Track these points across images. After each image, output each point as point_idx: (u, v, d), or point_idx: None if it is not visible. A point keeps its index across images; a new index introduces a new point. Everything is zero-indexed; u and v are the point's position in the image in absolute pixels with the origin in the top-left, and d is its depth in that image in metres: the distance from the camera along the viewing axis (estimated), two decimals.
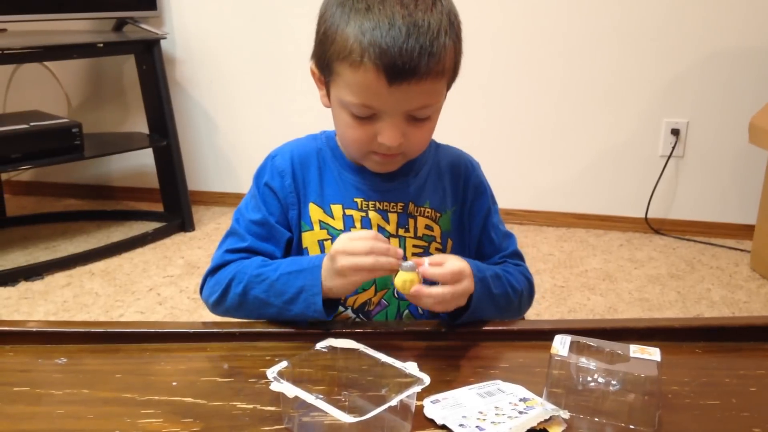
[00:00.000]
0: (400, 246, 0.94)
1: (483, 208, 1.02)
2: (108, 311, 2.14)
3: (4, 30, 2.65)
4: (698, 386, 0.79)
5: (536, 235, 2.82)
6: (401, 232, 0.95)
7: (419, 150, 0.92)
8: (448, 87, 0.91)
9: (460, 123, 2.91)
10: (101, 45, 2.62)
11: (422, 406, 0.72)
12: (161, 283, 2.35)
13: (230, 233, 0.98)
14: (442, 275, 0.83)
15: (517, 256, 1.04)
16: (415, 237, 0.96)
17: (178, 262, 2.52)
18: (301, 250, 0.97)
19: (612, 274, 2.46)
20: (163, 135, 2.76)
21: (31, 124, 2.46)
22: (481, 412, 0.71)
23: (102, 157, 2.93)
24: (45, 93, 3.08)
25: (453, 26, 0.85)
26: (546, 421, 0.70)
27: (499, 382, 0.78)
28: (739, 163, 2.75)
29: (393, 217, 0.95)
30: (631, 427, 0.70)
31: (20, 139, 2.40)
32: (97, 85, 3.11)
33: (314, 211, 0.95)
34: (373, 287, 0.96)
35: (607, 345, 0.76)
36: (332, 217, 0.94)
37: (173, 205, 2.85)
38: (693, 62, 2.69)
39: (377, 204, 0.95)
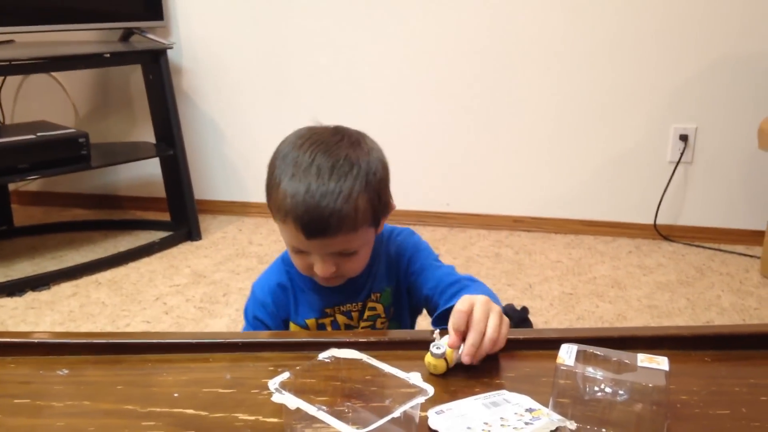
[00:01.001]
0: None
1: (417, 263, 1.13)
2: (114, 321, 2.14)
3: (11, 41, 2.67)
4: (707, 395, 0.78)
5: (544, 243, 2.80)
6: (362, 324, 1.11)
7: (355, 273, 1.05)
8: (377, 223, 1.03)
9: (467, 130, 2.91)
10: (108, 55, 2.63)
11: (426, 417, 0.71)
12: (168, 292, 2.35)
13: None
14: (478, 340, 0.83)
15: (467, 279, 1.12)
16: (363, 320, 1.11)
17: (185, 271, 2.52)
18: None
19: (621, 281, 2.45)
20: (169, 144, 2.76)
21: (39, 134, 2.46)
22: (486, 423, 0.70)
23: (109, 166, 2.94)
24: (52, 103, 3.09)
25: (370, 185, 0.98)
26: (552, 431, 0.69)
27: (504, 392, 0.77)
28: (748, 169, 2.73)
29: (355, 315, 1.11)
30: None
31: (27, 150, 2.41)
32: (104, 95, 3.12)
33: (293, 329, 1.10)
34: None
35: (614, 354, 0.75)
36: (308, 328, 1.10)
37: (180, 215, 2.85)
38: (701, 67, 2.67)
39: (341, 308, 1.10)
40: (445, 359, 0.82)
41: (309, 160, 0.96)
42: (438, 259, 1.15)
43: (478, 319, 0.83)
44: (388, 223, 1.14)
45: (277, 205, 0.98)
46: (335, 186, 0.94)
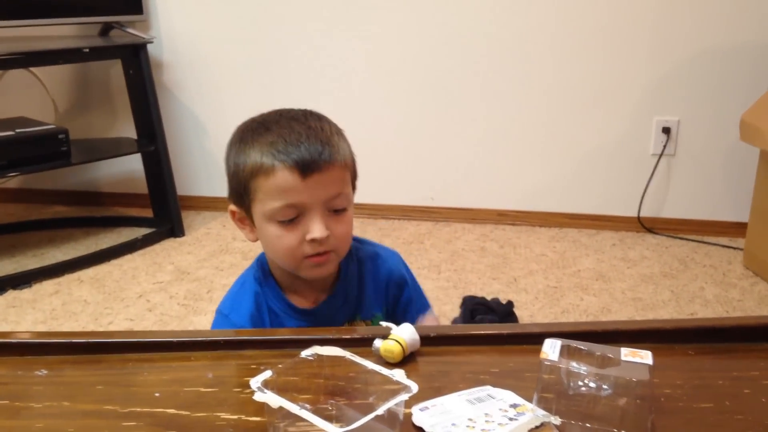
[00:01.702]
0: None
1: (406, 297, 1.10)
2: (97, 319, 2.12)
3: None
4: (691, 389, 0.78)
5: (529, 236, 2.81)
6: None
7: (345, 244, 1.00)
8: (353, 187, 1.01)
9: (451, 124, 2.91)
10: (87, 50, 2.60)
11: (411, 414, 0.71)
12: (151, 289, 2.33)
13: None
14: None
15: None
16: None
17: (168, 268, 2.50)
18: None
19: (605, 273, 2.45)
20: (151, 140, 2.74)
21: (17, 130, 2.43)
22: (470, 419, 0.70)
23: (90, 163, 2.91)
24: (31, 99, 3.05)
25: (342, 135, 0.98)
26: (537, 427, 0.68)
27: (489, 387, 0.76)
28: (730, 161, 2.74)
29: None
30: None
31: (6, 146, 2.38)
32: (84, 91, 3.09)
33: None
34: None
35: (598, 348, 0.75)
36: None
37: (163, 211, 2.83)
38: (683, 60, 2.68)
39: None
40: (400, 343, 0.82)
41: (276, 116, 0.96)
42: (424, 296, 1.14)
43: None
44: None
45: (255, 165, 0.93)
46: (315, 124, 0.94)
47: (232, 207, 1.02)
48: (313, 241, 0.94)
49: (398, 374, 0.71)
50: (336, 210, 0.96)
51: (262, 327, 1.02)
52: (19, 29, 2.69)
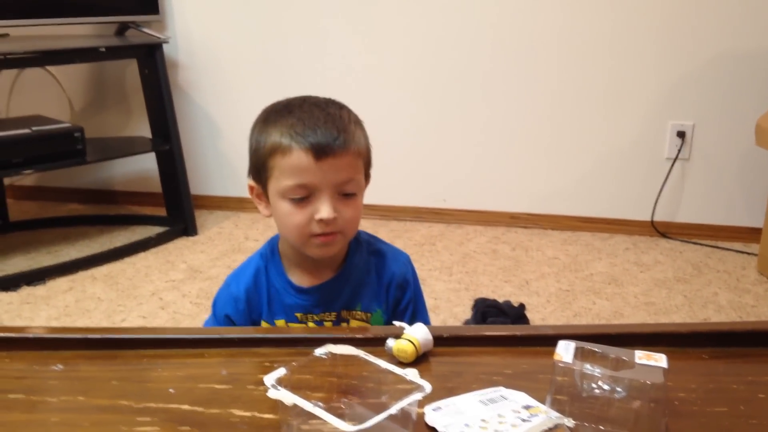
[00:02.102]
0: None
1: (405, 302, 1.12)
2: (110, 316, 2.14)
3: (6, 35, 2.65)
4: (705, 393, 0.77)
5: (541, 239, 2.80)
6: None
7: (352, 228, 1.04)
8: (366, 176, 1.05)
9: (464, 126, 2.91)
10: (103, 49, 2.61)
11: (423, 414, 0.71)
12: (164, 287, 2.34)
13: None
14: None
15: None
16: None
17: (181, 266, 2.51)
18: None
19: (618, 277, 2.44)
20: (165, 139, 2.75)
21: (33, 128, 2.45)
22: (483, 420, 0.70)
23: (104, 161, 2.93)
24: (48, 97, 3.07)
25: (360, 125, 1.03)
26: (550, 429, 0.68)
27: (501, 389, 0.76)
28: (745, 166, 2.73)
29: (328, 324, 1.07)
30: None
31: (22, 144, 2.39)
32: (100, 90, 3.11)
33: (264, 327, 1.08)
34: None
35: (612, 351, 0.75)
36: None
37: (176, 210, 2.84)
38: (699, 64, 2.67)
39: (314, 316, 1.07)
40: (413, 343, 0.82)
41: (300, 101, 1.02)
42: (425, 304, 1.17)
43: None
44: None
45: (275, 144, 0.98)
46: (335, 112, 1.00)
47: (251, 182, 1.06)
48: (320, 221, 0.98)
49: (411, 374, 0.71)
50: (346, 194, 0.99)
51: (258, 301, 1.07)
52: (36, 28, 2.71)
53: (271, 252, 1.10)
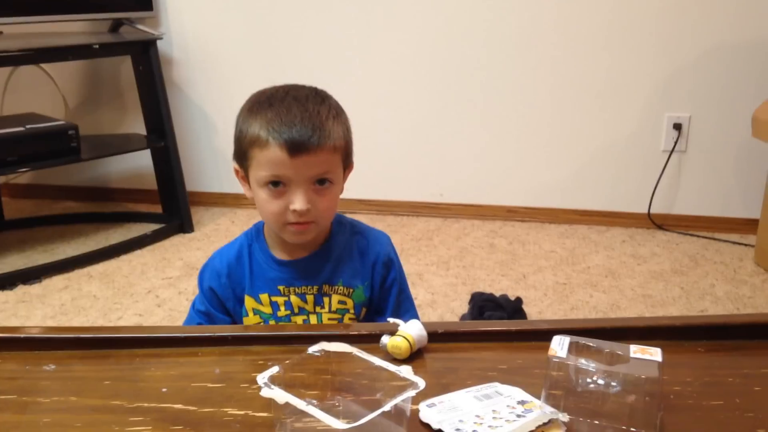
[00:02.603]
0: (317, 321, 1.09)
1: (390, 280, 1.14)
2: (106, 314, 2.13)
3: (0, 33, 2.64)
4: (701, 386, 0.77)
5: (538, 233, 2.79)
6: (318, 309, 1.10)
7: (326, 217, 1.07)
8: (345, 166, 1.07)
9: (460, 120, 2.90)
10: (97, 46, 2.60)
11: (418, 410, 0.71)
12: (160, 285, 2.33)
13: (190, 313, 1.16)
14: None
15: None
16: (330, 311, 1.10)
17: (177, 263, 2.50)
18: None
19: (615, 270, 2.44)
20: (160, 136, 2.74)
21: (28, 126, 2.44)
22: (478, 416, 0.69)
23: (99, 158, 2.91)
24: (42, 95, 3.06)
25: (340, 118, 1.05)
26: (545, 424, 0.68)
27: (496, 384, 0.76)
28: (742, 157, 2.72)
29: (310, 298, 1.10)
30: (632, 429, 0.68)
31: (17, 142, 2.38)
32: (94, 87, 3.10)
33: (248, 302, 1.10)
34: None
35: (607, 345, 0.74)
36: (261, 304, 1.10)
37: (172, 207, 2.83)
38: (694, 55, 2.66)
39: (296, 289, 1.10)
40: (407, 339, 0.82)
41: (283, 94, 1.05)
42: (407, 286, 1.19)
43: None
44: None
45: (254, 136, 1.01)
46: (314, 108, 1.02)
47: (236, 166, 1.10)
48: (294, 211, 1.01)
49: (405, 371, 0.71)
50: (322, 182, 1.03)
51: (240, 275, 1.11)
52: (30, 26, 2.69)
53: (256, 232, 1.15)
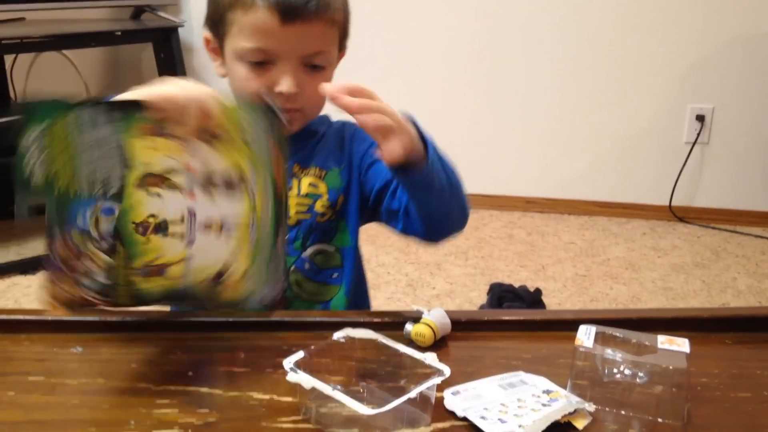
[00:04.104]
0: None
1: (367, 145, 0.98)
2: None
3: (22, 19, 2.65)
4: (728, 378, 0.76)
5: (557, 224, 2.78)
6: (297, 201, 0.96)
7: (315, 106, 0.93)
8: (341, 48, 0.94)
9: (479, 109, 2.88)
10: (119, 33, 2.61)
11: (442, 398, 0.70)
12: None
13: None
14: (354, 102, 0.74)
15: None
16: (299, 195, 0.96)
17: None
18: None
19: (635, 262, 2.43)
20: None
21: None
22: (503, 404, 0.69)
23: None
24: (63, 81, 3.08)
25: None
26: (570, 413, 0.68)
27: (521, 373, 0.76)
28: (765, 150, 2.69)
29: None
30: (659, 420, 0.68)
31: None
32: (116, 74, 3.11)
33: None
34: None
35: (634, 336, 0.74)
36: None
37: None
38: (719, 46, 2.63)
39: None
40: (431, 327, 0.81)
41: None
42: None
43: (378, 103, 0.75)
44: None
45: None
46: None
47: (207, 34, 0.95)
48: (280, 94, 0.87)
49: (430, 358, 0.71)
50: (314, 66, 0.89)
51: None
52: (52, 12, 2.71)
53: None
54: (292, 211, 0.95)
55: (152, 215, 0.66)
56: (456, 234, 0.94)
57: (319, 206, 0.97)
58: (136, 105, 0.64)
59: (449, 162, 0.90)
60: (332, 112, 0.99)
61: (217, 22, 0.90)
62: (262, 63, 0.86)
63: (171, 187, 0.66)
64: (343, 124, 1.02)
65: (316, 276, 0.98)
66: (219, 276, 0.71)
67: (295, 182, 0.96)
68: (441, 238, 0.96)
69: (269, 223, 0.72)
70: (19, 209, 0.62)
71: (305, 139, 0.98)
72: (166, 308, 0.90)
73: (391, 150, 0.78)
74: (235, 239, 0.70)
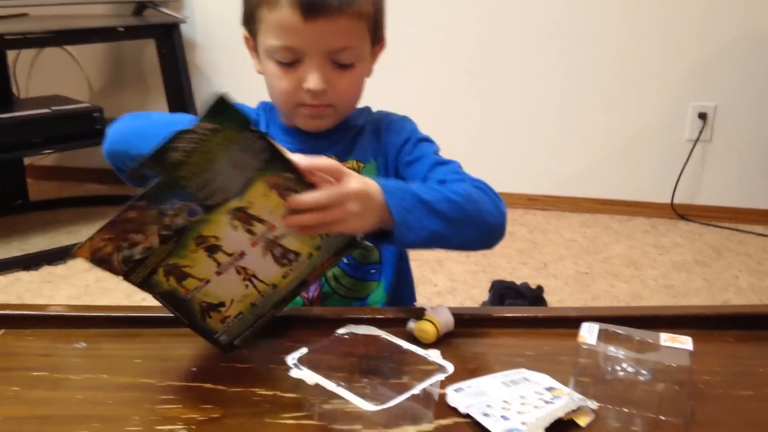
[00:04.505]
0: None
1: (403, 139, 0.98)
2: (130, 295, 2.15)
3: (25, 14, 2.66)
4: (730, 376, 0.77)
5: (559, 221, 2.78)
6: None
7: (347, 101, 0.92)
8: (373, 41, 0.91)
9: (481, 107, 2.88)
10: (122, 29, 2.61)
11: (445, 395, 0.71)
12: None
13: None
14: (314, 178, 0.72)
15: (457, 174, 0.96)
16: None
17: None
18: None
19: (636, 260, 2.43)
20: None
21: (53, 108, 2.46)
22: (506, 401, 0.69)
23: None
24: (66, 78, 3.08)
25: None
26: (573, 411, 0.68)
27: (524, 370, 0.76)
28: (767, 148, 2.69)
29: None
30: (662, 417, 0.68)
31: (42, 124, 2.40)
32: (118, 70, 3.11)
33: None
34: None
35: (637, 333, 0.74)
36: None
37: None
38: (721, 44, 2.62)
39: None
40: (434, 324, 0.81)
41: None
42: (439, 153, 1.01)
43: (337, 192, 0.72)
44: None
45: None
46: None
47: (245, 32, 0.95)
48: (308, 91, 0.87)
49: (433, 355, 0.71)
50: (343, 66, 0.88)
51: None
52: (55, 8, 2.71)
53: (263, 105, 1.02)
54: None
55: (215, 237, 0.71)
56: (489, 248, 0.92)
57: None
58: (286, 161, 0.69)
59: (452, 194, 0.84)
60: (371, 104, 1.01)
61: (249, 20, 0.90)
62: (290, 63, 0.86)
63: (248, 229, 0.72)
64: (380, 115, 1.02)
65: (356, 271, 0.98)
66: (217, 306, 0.76)
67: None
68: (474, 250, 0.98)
69: (278, 298, 0.79)
70: (138, 164, 0.64)
71: (342, 133, 0.97)
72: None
73: (352, 230, 0.77)
74: (250, 290, 0.77)
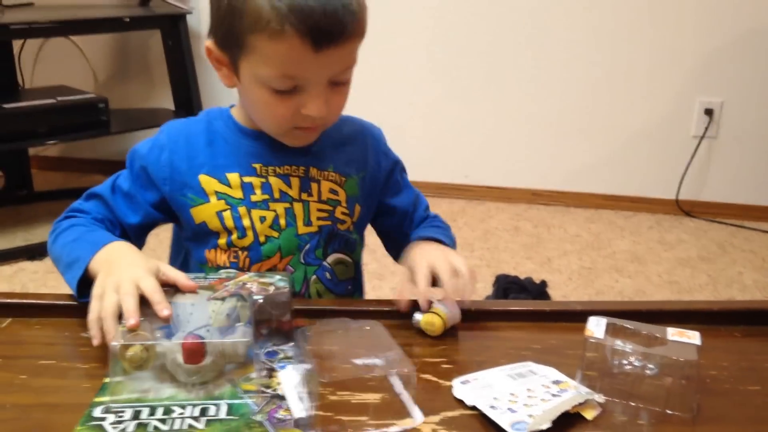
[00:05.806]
0: (304, 210, 0.91)
1: (391, 172, 1.01)
2: None
3: (31, 4, 2.65)
4: (738, 371, 0.76)
5: (564, 216, 2.78)
6: (304, 196, 0.91)
7: (337, 116, 0.90)
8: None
9: (486, 102, 2.88)
10: (128, 20, 2.61)
11: (451, 387, 0.71)
12: None
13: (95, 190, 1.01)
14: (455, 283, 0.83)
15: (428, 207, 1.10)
16: (320, 201, 0.92)
17: None
18: (195, 225, 0.93)
19: (641, 256, 2.42)
20: (188, 111, 2.75)
21: (58, 98, 2.46)
22: (512, 394, 0.69)
23: (128, 132, 2.93)
24: (71, 68, 3.08)
25: None
26: (580, 404, 0.68)
27: (530, 363, 0.76)
28: None
29: (295, 182, 0.91)
30: (668, 412, 0.68)
31: (47, 114, 2.40)
32: (124, 60, 3.11)
33: (207, 183, 0.89)
34: (278, 254, 0.91)
35: (644, 327, 0.74)
36: (229, 186, 0.89)
37: None
38: (728, 40, 2.61)
39: (277, 169, 0.90)
40: (441, 317, 0.81)
41: None
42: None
43: (444, 268, 0.83)
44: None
45: (259, 19, 0.75)
46: None
47: (211, 45, 0.86)
48: (308, 116, 0.82)
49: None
50: (337, 82, 0.83)
51: (191, 150, 0.91)
52: None
53: (218, 111, 0.95)
54: (312, 217, 0.92)
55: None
56: None
57: (339, 213, 0.94)
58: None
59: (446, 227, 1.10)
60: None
61: (231, 40, 0.81)
62: (286, 90, 0.80)
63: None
64: (362, 128, 1.00)
65: (336, 287, 0.96)
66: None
67: (314, 186, 0.92)
68: None
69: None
70: None
71: (316, 141, 0.93)
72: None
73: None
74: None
